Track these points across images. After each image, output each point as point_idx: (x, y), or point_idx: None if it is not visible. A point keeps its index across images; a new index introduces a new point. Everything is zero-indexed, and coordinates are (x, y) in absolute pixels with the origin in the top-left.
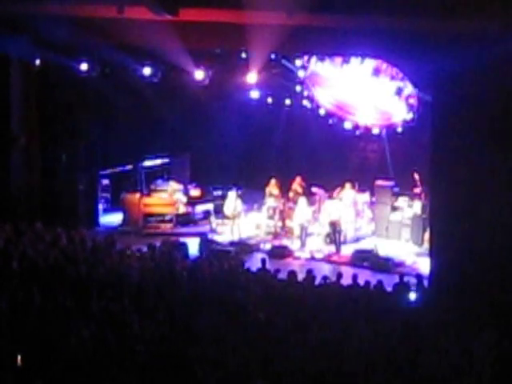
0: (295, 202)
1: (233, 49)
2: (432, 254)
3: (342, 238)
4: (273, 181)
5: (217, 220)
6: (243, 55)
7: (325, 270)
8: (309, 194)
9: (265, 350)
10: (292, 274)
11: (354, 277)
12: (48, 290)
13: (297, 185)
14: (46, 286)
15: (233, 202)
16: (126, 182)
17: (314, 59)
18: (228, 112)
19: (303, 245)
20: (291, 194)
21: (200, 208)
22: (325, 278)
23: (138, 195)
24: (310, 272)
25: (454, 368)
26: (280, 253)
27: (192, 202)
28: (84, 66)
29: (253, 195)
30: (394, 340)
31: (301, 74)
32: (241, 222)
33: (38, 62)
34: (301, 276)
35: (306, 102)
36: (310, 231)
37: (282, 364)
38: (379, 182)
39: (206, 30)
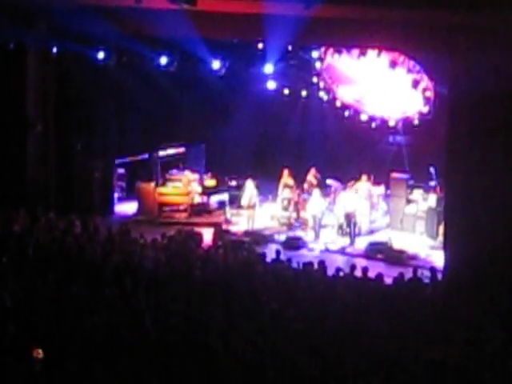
0: (310, 194)
1: (250, 39)
2: (446, 247)
3: (356, 230)
4: (286, 171)
5: (232, 210)
6: (260, 46)
7: (339, 261)
8: (324, 186)
9: (277, 339)
10: (308, 265)
11: (364, 270)
12: (62, 276)
13: (311, 176)
14: (59, 272)
15: (250, 191)
16: (142, 171)
17: (330, 51)
18: (244, 102)
19: (317, 236)
20: (306, 186)
21: (215, 198)
22: (338, 269)
23: (153, 184)
24: (321, 263)
25: (463, 362)
26: (294, 244)
27: (207, 191)
28: (101, 55)
29: (268, 186)
30: (406, 331)
31: (317, 65)
32: (256, 213)
33: (54, 50)
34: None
35: (322, 94)
36: (324, 223)
37: (294, 353)
38: (394, 175)
39: (223, 20)
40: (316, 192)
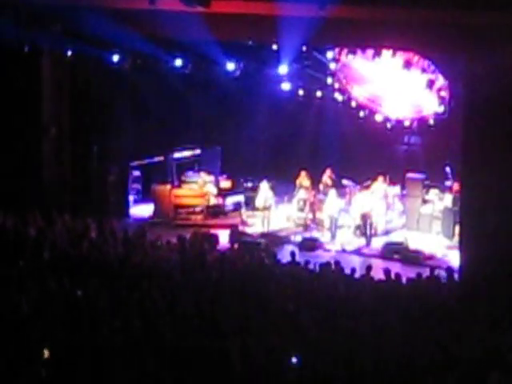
0: (325, 194)
1: (264, 41)
2: (462, 247)
3: (372, 231)
4: (303, 173)
5: (247, 212)
6: (274, 47)
7: (355, 262)
8: (339, 186)
9: (294, 341)
10: (324, 265)
11: (386, 271)
12: (78, 279)
13: (327, 177)
14: (76, 275)
15: (265, 193)
16: (157, 173)
17: (345, 51)
18: (259, 104)
19: (333, 237)
20: (321, 186)
21: (230, 200)
22: (353, 270)
23: (168, 186)
24: (337, 264)
25: (483, 360)
26: (310, 245)
27: (222, 193)
28: (116, 58)
29: (283, 187)
30: (424, 332)
31: (332, 66)
32: (271, 214)
33: (69, 53)
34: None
35: (337, 95)
36: (340, 223)
37: (312, 355)
38: (410, 175)
39: (237, 22)
40: (332, 192)
